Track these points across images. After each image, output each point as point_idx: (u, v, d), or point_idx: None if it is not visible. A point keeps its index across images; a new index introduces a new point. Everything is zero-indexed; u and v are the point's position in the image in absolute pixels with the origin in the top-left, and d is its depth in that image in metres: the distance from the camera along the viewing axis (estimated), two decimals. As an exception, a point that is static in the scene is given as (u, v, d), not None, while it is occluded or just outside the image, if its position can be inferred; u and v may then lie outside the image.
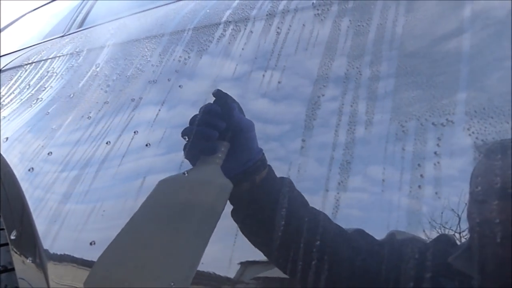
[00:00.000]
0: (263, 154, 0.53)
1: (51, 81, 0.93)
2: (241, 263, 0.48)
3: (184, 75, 0.70)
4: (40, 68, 1.10)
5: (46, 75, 1.00)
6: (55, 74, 0.96)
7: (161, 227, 0.49)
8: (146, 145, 0.60)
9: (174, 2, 0.98)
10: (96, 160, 0.64)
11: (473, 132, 0.43)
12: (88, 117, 0.71)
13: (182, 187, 0.52)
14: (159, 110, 0.65)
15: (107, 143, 0.64)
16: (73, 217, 0.63)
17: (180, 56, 0.74)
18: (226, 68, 0.68)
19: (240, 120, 0.56)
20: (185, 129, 0.56)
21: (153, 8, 1.02)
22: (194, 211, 0.49)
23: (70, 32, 1.48)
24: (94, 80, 0.82)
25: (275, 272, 0.46)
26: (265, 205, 0.50)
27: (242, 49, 0.68)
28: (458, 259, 0.39)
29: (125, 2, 1.41)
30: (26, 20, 2.59)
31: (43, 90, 0.91)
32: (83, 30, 1.31)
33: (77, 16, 1.66)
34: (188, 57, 0.71)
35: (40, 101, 0.86)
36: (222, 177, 0.52)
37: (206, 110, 0.56)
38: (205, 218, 0.49)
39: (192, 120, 0.56)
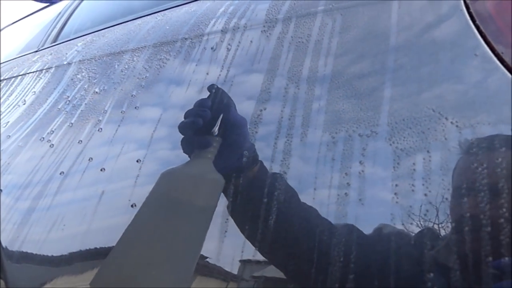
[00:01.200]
0: (255, 150, 0.54)
1: (18, 100, 0.95)
2: (236, 259, 0.49)
3: (142, 94, 0.73)
4: (11, 85, 1.12)
5: (15, 94, 1.02)
6: (22, 92, 0.98)
7: (159, 223, 0.50)
8: (101, 169, 0.63)
9: (141, 17, 1.01)
10: (56, 180, 0.66)
11: (393, 142, 0.47)
12: (48, 141, 0.74)
13: (175, 182, 0.53)
14: (116, 130, 0.67)
15: (60, 173, 0.67)
16: (35, 230, 0.66)
17: (139, 74, 0.77)
18: (181, 84, 0.71)
19: (234, 115, 0.56)
20: (180, 123, 0.57)
21: (120, 23, 1.05)
22: (185, 207, 0.50)
23: (44, 47, 1.49)
24: (56, 101, 0.85)
25: (271, 268, 0.48)
26: (257, 200, 0.50)
27: (196, 64, 0.71)
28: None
29: (98, 16, 1.43)
30: (5, 33, 2.59)
31: (11, 109, 0.93)
32: (55, 45, 1.33)
33: (51, 31, 1.67)
34: (146, 76, 0.74)
35: (6, 121, 0.88)
36: (213, 172, 0.52)
37: (200, 105, 0.57)
38: (197, 213, 0.50)
39: (187, 115, 0.57)
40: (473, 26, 0.49)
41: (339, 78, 0.54)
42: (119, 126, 0.69)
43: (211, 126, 0.55)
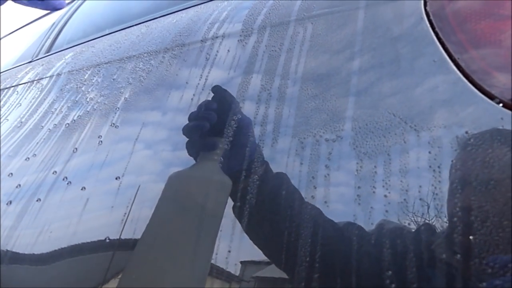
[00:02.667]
0: (261, 150, 0.54)
1: (8, 112, 0.98)
2: (241, 260, 0.50)
3: (126, 105, 0.75)
4: (4, 96, 1.14)
5: (7, 105, 1.05)
6: (13, 104, 1.01)
7: (171, 226, 0.51)
8: (82, 188, 0.65)
9: (127, 27, 1.03)
10: (43, 191, 0.69)
11: (356, 146, 0.49)
12: (34, 154, 0.76)
13: (183, 185, 0.54)
14: (97, 145, 0.70)
15: (53, 172, 0.69)
16: (24, 237, 0.68)
17: (122, 87, 0.79)
18: (160, 94, 0.73)
19: (239, 116, 0.56)
20: (185, 126, 0.57)
21: (108, 34, 1.07)
22: (195, 209, 0.51)
23: (38, 57, 1.52)
24: (46, 111, 0.87)
25: (275, 270, 0.48)
26: (264, 201, 0.50)
27: (176, 74, 0.73)
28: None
29: (90, 26, 1.46)
30: (5, 42, 2.62)
31: (2, 120, 0.96)
32: (48, 56, 1.36)
33: (46, 41, 1.70)
34: (128, 93, 0.76)
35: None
36: (220, 174, 0.52)
37: (205, 107, 0.57)
38: (207, 216, 0.51)
39: (191, 117, 0.57)
40: (432, 34, 0.51)
41: (308, 85, 0.56)
42: (103, 137, 0.71)
43: (216, 128, 0.56)
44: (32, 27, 2.40)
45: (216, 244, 0.50)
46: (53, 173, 0.69)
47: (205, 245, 0.50)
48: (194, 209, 0.52)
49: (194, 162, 0.58)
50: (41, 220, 0.66)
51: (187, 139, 0.58)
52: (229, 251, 0.50)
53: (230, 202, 0.52)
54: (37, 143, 0.79)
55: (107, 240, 0.59)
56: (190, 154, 0.58)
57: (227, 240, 0.50)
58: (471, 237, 0.40)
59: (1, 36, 2.76)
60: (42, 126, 0.82)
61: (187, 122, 0.59)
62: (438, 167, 0.44)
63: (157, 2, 1.10)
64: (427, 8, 0.53)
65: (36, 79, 1.08)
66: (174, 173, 0.56)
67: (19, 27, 2.68)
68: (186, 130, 0.58)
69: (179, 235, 0.51)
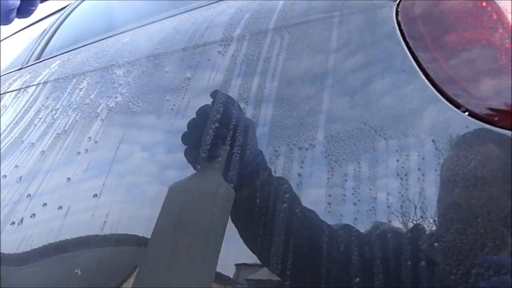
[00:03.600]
0: (263, 156, 0.53)
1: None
2: (238, 265, 0.50)
3: (110, 115, 0.76)
4: (-8, 104, 1.15)
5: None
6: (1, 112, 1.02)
7: (174, 238, 0.51)
8: (58, 208, 0.66)
9: (119, 33, 1.04)
10: (25, 202, 0.70)
11: (328, 154, 0.50)
12: (16, 166, 0.77)
13: (185, 197, 0.53)
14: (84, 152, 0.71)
15: (27, 196, 0.70)
16: (8, 245, 0.69)
17: (106, 95, 0.80)
18: (145, 102, 0.74)
19: (241, 120, 0.54)
20: (184, 134, 0.56)
21: (95, 42, 1.08)
22: (197, 222, 0.51)
23: (28, 64, 1.53)
24: (31, 120, 0.88)
25: (272, 276, 0.48)
26: (265, 208, 0.49)
27: (158, 84, 0.74)
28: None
29: (80, 34, 1.47)
30: (4, 45, 2.61)
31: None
32: (37, 63, 1.36)
33: (36, 48, 1.70)
34: (112, 102, 0.77)
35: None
36: (222, 185, 0.51)
37: (205, 113, 0.55)
38: (210, 227, 0.50)
39: (190, 124, 0.55)
40: (403, 43, 0.52)
41: (283, 95, 0.57)
42: (84, 150, 0.72)
43: (217, 135, 0.55)
44: (24, 34, 2.40)
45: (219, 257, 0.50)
46: (27, 196, 0.70)
47: (212, 255, 0.50)
48: (196, 221, 0.52)
49: (192, 169, 0.56)
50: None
51: (186, 146, 0.57)
52: (231, 264, 0.50)
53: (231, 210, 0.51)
54: (21, 152, 0.79)
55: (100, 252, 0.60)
56: (190, 163, 0.57)
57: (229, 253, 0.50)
58: (436, 244, 0.41)
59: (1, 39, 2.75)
60: (22, 141, 0.83)
61: (186, 129, 0.58)
62: (406, 174, 0.45)
63: (144, 10, 1.11)
64: (399, 17, 0.54)
65: (23, 87, 1.09)
66: (175, 184, 0.55)
67: (14, 32, 2.67)
68: (186, 138, 0.57)
69: (183, 248, 0.52)
